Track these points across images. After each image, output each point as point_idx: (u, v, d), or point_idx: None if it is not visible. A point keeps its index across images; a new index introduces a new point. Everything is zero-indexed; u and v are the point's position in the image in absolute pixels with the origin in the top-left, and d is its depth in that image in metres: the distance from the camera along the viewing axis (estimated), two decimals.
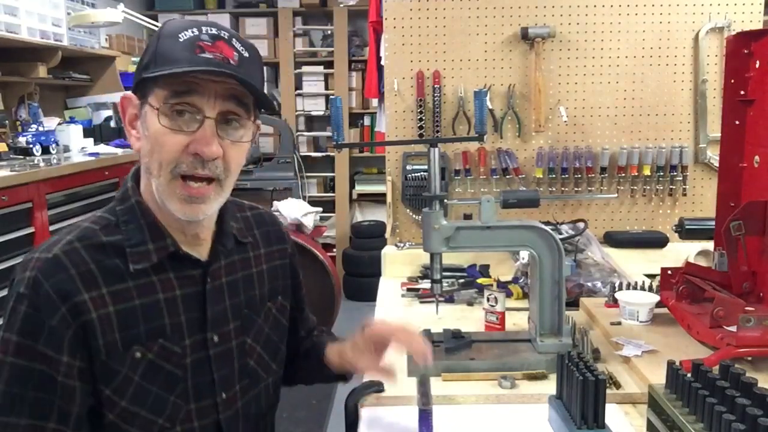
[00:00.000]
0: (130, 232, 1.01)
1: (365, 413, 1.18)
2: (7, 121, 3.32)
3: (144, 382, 0.98)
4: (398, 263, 2.04)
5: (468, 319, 1.63)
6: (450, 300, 1.76)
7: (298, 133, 5.51)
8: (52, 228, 2.72)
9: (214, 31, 0.97)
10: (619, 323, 1.48)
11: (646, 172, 2.16)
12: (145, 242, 1.00)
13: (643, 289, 1.58)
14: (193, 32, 0.95)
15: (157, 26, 3.89)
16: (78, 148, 3.54)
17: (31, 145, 3.16)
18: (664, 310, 1.49)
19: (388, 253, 2.09)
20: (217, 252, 1.09)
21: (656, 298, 1.49)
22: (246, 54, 0.98)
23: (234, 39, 0.98)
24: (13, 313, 0.94)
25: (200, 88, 0.95)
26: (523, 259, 1.79)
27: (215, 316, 1.06)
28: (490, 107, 2.15)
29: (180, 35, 0.95)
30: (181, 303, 1.02)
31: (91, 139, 3.72)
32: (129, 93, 1.02)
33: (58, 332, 0.92)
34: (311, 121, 5.75)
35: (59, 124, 3.62)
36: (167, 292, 1.01)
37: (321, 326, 1.37)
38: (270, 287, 1.18)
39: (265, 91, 1.04)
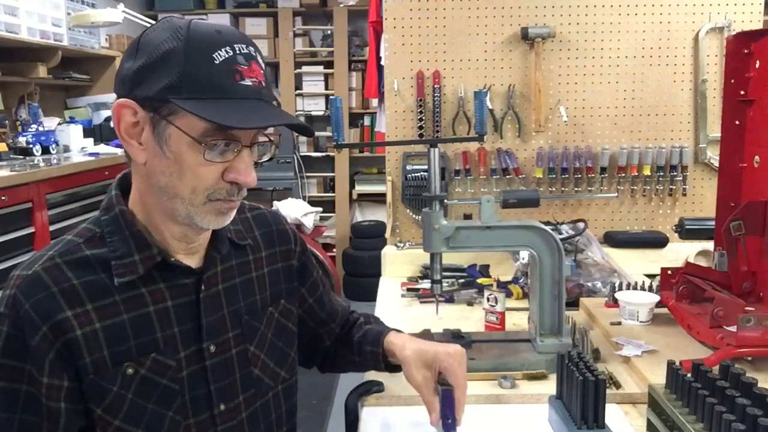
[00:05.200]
0: (115, 243, 0.96)
1: (365, 413, 1.18)
2: (7, 121, 3.32)
3: (138, 399, 0.94)
4: (398, 263, 2.04)
5: (468, 319, 1.63)
6: (450, 300, 1.76)
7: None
8: (52, 228, 2.72)
9: (245, 49, 0.90)
10: (619, 323, 1.48)
11: (646, 172, 2.16)
12: (130, 253, 0.95)
13: (643, 289, 1.58)
14: (227, 52, 0.88)
15: None
16: (78, 148, 3.54)
17: (31, 145, 3.16)
18: (664, 310, 1.49)
19: (388, 253, 2.09)
20: (211, 258, 1.04)
21: (656, 298, 1.49)
22: (263, 64, 0.94)
23: (258, 54, 0.93)
24: None
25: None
26: (523, 259, 1.79)
27: (211, 325, 1.01)
28: (490, 107, 2.15)
29: (214, 56, 0.87)
30: (173, 314, 0.98)
31: (91, 139, 3.72)
32: (127, 101, 0.91)
33: (38, 353, 0.88)
34: (311, 121, 5.75)
35: (59, 124, 3.62)
36: (158, 303, 0.97)
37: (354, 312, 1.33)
38: (272, 291, 1.13)
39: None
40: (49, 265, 0.92)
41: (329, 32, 5.46)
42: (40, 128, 3.36)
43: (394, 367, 1.18)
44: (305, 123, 0.96)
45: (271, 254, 1.16)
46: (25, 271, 0.92)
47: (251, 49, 0.92)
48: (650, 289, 1.57)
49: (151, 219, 0.99)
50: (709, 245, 1.64)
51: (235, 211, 0.98)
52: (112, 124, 4.24)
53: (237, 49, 0.89)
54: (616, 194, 2.19)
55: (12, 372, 0.89)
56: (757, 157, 1.42)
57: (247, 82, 0.89)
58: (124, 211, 0.99)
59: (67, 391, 0.90)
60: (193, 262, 1.02)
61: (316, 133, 5.64)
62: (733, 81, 1.46)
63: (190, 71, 0.87)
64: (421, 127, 2.15)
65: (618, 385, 1.21)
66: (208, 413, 1.00)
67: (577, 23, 2.14)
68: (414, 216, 2.19)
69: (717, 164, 1.85)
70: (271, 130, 0.99)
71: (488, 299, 1.51)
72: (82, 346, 0.90)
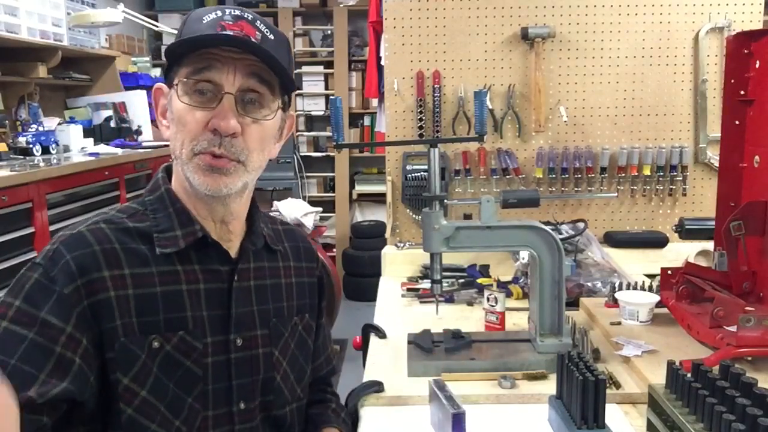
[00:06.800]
0: (158, 219, 1.00)
1: (365, 413, 1.18)
2: (7, 121, 3.31)
3: (162, 375, 0.93)
4: (398, 263, 2.04)
5: (468, 319, 1.63)
6: (450, 300, 1.76)
7: (298, 133, 5.51)
8: (52, 228, 2.71)
9: (237, 12, 0.97)
10: (619, 323, 1.48)
11: (646, 172, 2.16)
12: (173, 228, 0.99)
13: (643, 289, 1.58)
14: (216, 14, 0.96)
15: (157, 26, 3.89)
16: (78, 148, 3.54)
17: (31, 145, 3.16)
18: (664, 310, 1.49)
19: (388, 253, 2.09)
20: (246, 251, 1.06)
21: (656, 298, 1.49)
22: (270, 36, 0.98)
23: (258, 21, 0.98)
24: (22, 278, 0.91)
25: (220, 64, 0.94)
26: (523, 259, 1.79)
27: (240, 317, 1.02)
28: (490, 107, 2.15)
29: (204, 17, 0.96)
30: (204, 298, 0.99)
31: (91, 139, 3.71)
32: (160, 84, 1.03)
33: (68, 301, 0.89)
34: (311, 121, 5.75)
35: (59, 124, 3.61)
36: (191, 284, 0.98)
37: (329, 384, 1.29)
38: (298, 302, 1.14)
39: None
40: (94, 227, 0.96)
41: (329, 32, 5.46)
42: (40, 128, 3.36)
43: None
44: (287, 71, 0.99)
45: (299, 267, 1.17)
46: (70, 231, 0.96)
47: (247, 14, 0.98)
48: (650, 289, 1.57)
49: (187, 200, 1.02)
50: (709, 245, 1.64)
51: (229, 176, 0.97)
52: (112, 124, 4.24)
53: (227, 11, 0.98)
54: (616, 194, 2.19)
55: (25, 317, 0.88)
56: (757, 157, 1.42)
57: (229, 32, 0.94)
58: (170, 190, 1.03)
59: (85, 350, 0.89)
60: (229, 251, 1.04)
61: (316, 133, 5.65)
62: (733, 81, 1.46)
63: (183, 33, 0.97)
64: (421, 127, 2.15)
65: (618, 385, 1.21)
66: (227, 408, 1.00)
67: (577, 23, 2.14)
68: (414, 216, 2.19)
69: (717, 164, 1.85)
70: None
71: (488, 299, 1.51)
72: (115, 307, 0.92)
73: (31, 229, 2.60)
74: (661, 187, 2.19)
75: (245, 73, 0.95)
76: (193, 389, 0.96)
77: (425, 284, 1.87)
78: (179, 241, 0.98)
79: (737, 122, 1.46)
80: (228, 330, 1.00)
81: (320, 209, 3.93)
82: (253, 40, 0.95)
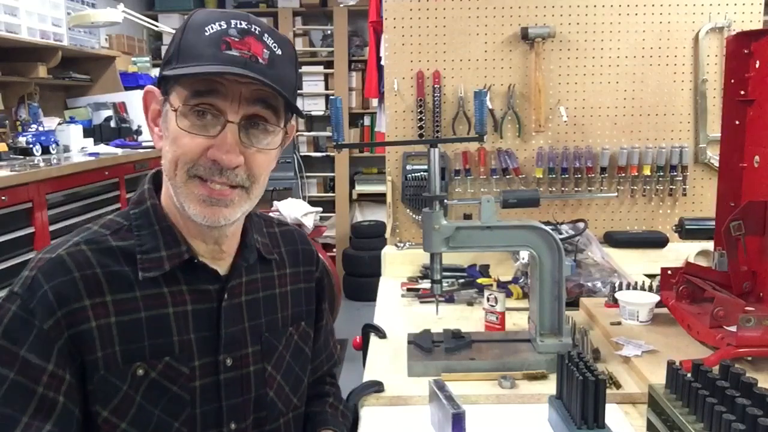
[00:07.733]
0: (143, 237, 0.93)
1: (365, 413, 1.18)
2: (7, 121, 3.31)
3: (146, 404, 0.89)
4: (398, 263, 2.04)
5: (468, 319, 1.63)
6: (450, 300, 1.76)
7: (298, 133, 5.51)
8: (52, 228, 2.72)
9: (243, 24, 0.88)
10: (619, 323, 1.49)
11: (646, 172, 2.16)
12: (158, 249, 0.92)
13: (643, 289, 1.58)
14: (220, 25, 0.87)
15: (157, 26, 3.89)
16: (78, 148, 3.54)
17: (31, 145, 3.16)
18: (664, 310, 1.49)
19: (388, 253, 2.09)
20: (237, 267, 1.00)
21: (656, 298, 1.49)
22: (278, 51, 0.90)
23: (266, 34, 0.89)
24: (1, 310, 0.86)
25: (224, 89, 0.87)
26: (523, 259, 1.79)
27: (230, 337, 0.97)
28: (490, 107, 2.15)
29: (206, 28, 0.87)
30: (192, 320, 0.94)
31: (91, 139, 3.71)
32: (152, 87, 0.95)
33: (48, 338, 0.84)
34: (311, 121, 5.75)
35: (59, 124, 3.61)
36: (178, 306, 0.93)
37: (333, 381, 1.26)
38: (293, 311, 1.09)
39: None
40: (73, 250, 0.90)
41: (329, 32, 5.46)
42: (40, 128, 3.36)
43: None
44: (280, 92, 0.89)
45: (295, 273, 1.12)
46: (49, 254, 0.89)
47: (254, 27, 0.89)
48: (650, 289, 1.57)
49: (177, 217, 0.96)
50: (709, 245, 1.64)
51: (230, 207, 0.91)
52: (112, 124, 4.24)
53: (233, 23, 0.88)
54: (616, 194, 2.18)
55: (5, 355, 0.84)
56: (757, 157, 1.42)
57: (234, 52, 0.86)
58: (156, 205, 0.96)
59: (68, 386, 0.86)
60: (219, 269, 0.99)
61: (316, 133, 5.65)
62: (733, 81, 1.46)
63: (182, 44, 0.89)
64: (421, 127, 2.15)
65: (618, 385, 1.21)
66: (217, 430, 0.96)
67: (577, 23, 2.14)
68: (414, 216, 2.19)
69: (717, 164, 1.85)
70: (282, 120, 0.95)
71: (488, 299, 1.51)
72: (96, 338, 0.87)
73: (31, 229, 2.60)
74: (661, 187, 2.18)
75: (250, 99, 0.89)
76: (180, 414, 0.92)
77: (425, 284, 1.87)
78: (164, 263, 0.92)
79: (737, 122, 1.46)
80: (217, 351, 0.96)
81: (320, 209, 3.94)
82: (260, 60, 0.87)
